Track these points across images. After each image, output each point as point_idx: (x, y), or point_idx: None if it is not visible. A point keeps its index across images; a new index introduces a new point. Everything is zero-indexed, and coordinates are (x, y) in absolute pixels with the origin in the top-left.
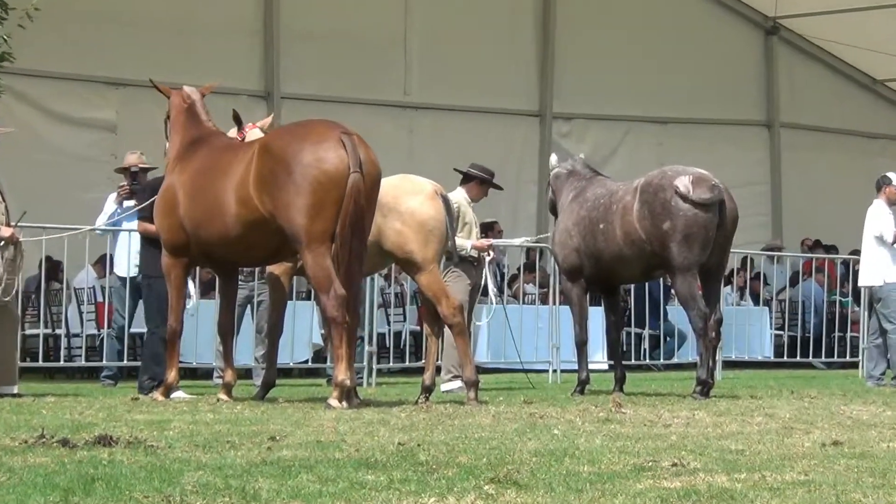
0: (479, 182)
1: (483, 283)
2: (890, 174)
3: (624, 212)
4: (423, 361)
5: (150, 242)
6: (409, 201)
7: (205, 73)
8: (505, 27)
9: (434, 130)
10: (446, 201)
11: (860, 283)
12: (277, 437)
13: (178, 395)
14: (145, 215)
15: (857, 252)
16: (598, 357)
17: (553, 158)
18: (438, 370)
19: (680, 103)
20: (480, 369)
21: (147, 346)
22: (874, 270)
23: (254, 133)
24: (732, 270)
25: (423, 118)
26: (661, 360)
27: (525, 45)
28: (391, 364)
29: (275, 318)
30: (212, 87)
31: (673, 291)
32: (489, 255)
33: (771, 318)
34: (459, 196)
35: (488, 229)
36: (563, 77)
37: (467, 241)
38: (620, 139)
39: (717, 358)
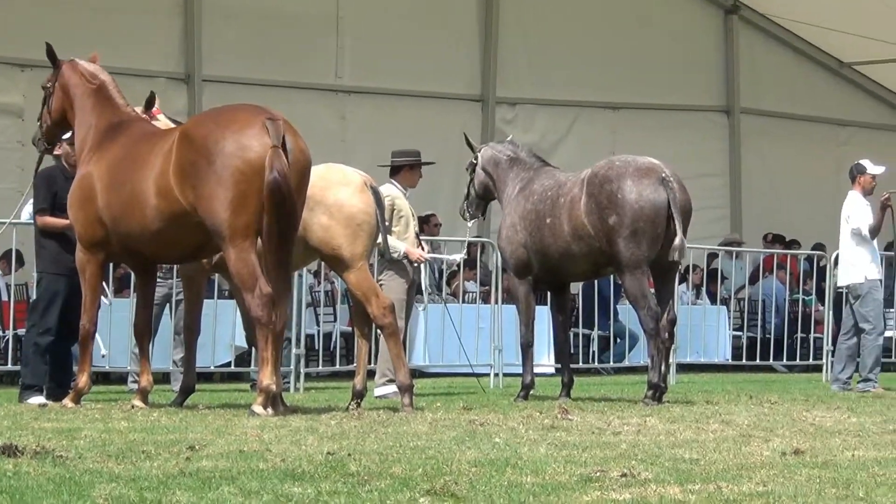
0: (409, 168)
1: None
2: (863, 162)
3: (571, 205)
4: (355, 365)
5: (46, 237)
6: (337, 193)
7: (120, 55)
8: (445, 6)
9: (368, 116)
10: (376, 193)
11: (840, 282)
12: (197, 447)
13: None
14: (43, 207)
15: (820, 246)
16: (544, 360)
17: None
18: (371, 374)
19: (633, 87)
20: (417, 373)
21: (25, 348)
22: (855, 267)
23: (161, 119)
24: (688, 267)
25: (357, 103)
26: (611, 363)
27: (466, 26)
28: (320, 367)
29: (190, 318)
30: (96, 58)
31: (623, 290)
32: (422, 259)
33: (729, 317)
34: (392, 190)
35: (425, 223)
36: (507, 60)
37: (401, 245)
38: (569, 126)
39: (670, 361)
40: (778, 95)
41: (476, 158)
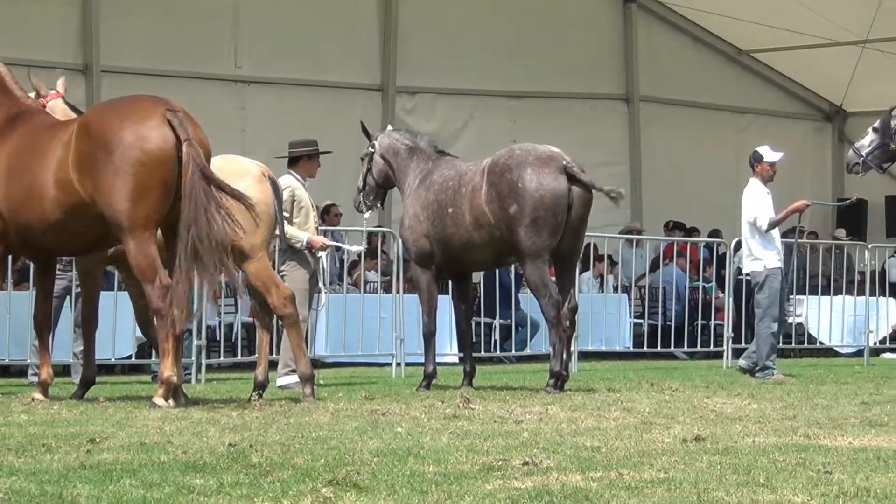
0: (307, 158)
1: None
2: (761, 149)
3: (472, 194)
4: (256, 355)
5: None
6: (235, 185)
7: (17, 45)
8: None
9: (268, 107)
10: (274, 184)
11: (745, 270)
12: (97, 439)
13: None
14: None
15: (716, 233)
16: (446, 349)
17: (389, 128)
18: (273, 365)
19: (533, 76)
20: (319, 363)
21: None
22: (755, 257)
23: (56, 104)
24: (588, 255)
25: (257, 93)
26: (513, 352)
27: (366, 15)
28: (222, 359)
29: (88, 310)
30: None
31: (524, 278)
32: (325, 248)
33: (630, 305)
34: (290, 180)
35: (325, 213)
36: (407, 49)
37: (303, 234)
38: (470, 115)
39: (572, 349)
40: (677, 83)
41: (373, 147)
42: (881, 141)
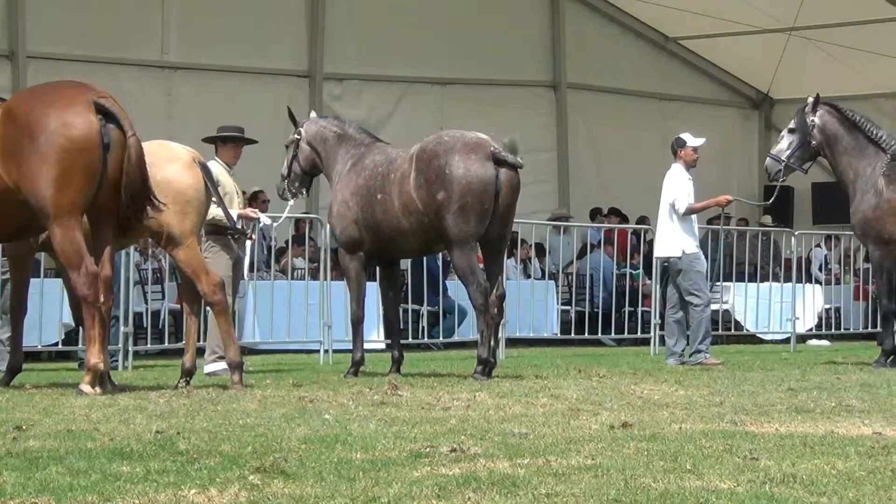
0: (234, 143)
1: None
2: (684, 136)
3: (401, 181)
4: (184, 342)
5: None
6: (165, 170)
7: None
8: None
9: (195, 93)
10: (205, 170)
11: (656, 254)
12: (24, 427)
13: None
14: None
15: (643, 219)
16: (374, 336)
17: (312, 114)
18: (200, 352)
19: (460, 63)
20: (247, 350)
21: None
22: (671, 241)
23: None
24: (516, 242)
25: (184, 79)
26: (441, 339)
27: (293, 1)
28: (149, 346)
29: (16, 297)
30: None
31: (452, 265)
32: (251, 238)
33: (557, 292)
34: (215, 167)
35: (253, 199)
36: (334, 35)
37: (232, 211)
38: (397, 102)
39: (499, 336)
40: (604, 70)
41: (298, 134)
42: (801, 140)
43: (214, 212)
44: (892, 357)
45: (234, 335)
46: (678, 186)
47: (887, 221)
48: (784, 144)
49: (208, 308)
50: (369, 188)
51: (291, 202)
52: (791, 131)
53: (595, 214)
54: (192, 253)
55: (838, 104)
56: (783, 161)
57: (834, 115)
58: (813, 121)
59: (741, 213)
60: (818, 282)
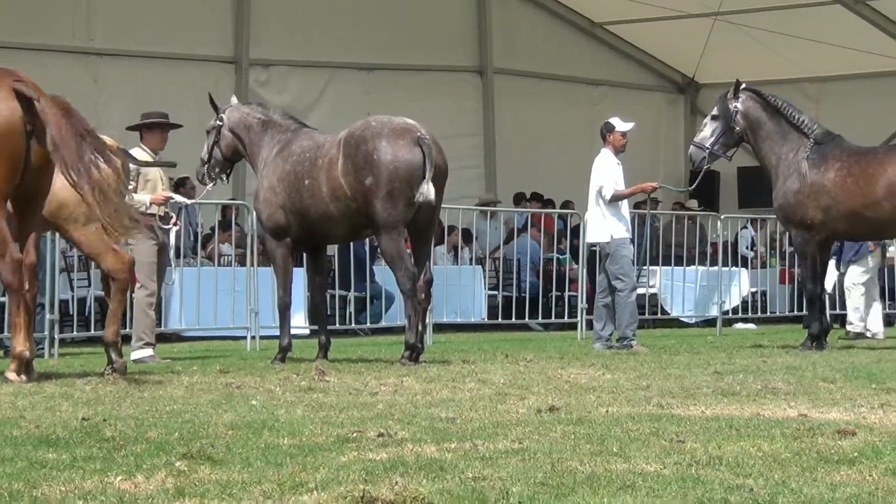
0: (160, 129)
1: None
2: (613, 120)
3: (329, 166)
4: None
5: None
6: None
7: None
8: None
9: (121, 79)
10: (129, 157)
11: (587, 239)
12: None
13: None
14: None
15: (568, 204)
16: (301, 322)
17: (234, 100)
18: (126, 339)
19: (387, 49)
20: (174, 337)
21: None
22: (600, 226)
23: None
24: (443, 228)
25: (110, 66)
26: (368, 324)
27: None
28: (75, 333)
29: None
30: None
31: (379, 250)
32: (176, 224)
33: (484, 277)
34: (139, 153)
35: (181, 185)
36: (260, 21)
37: (146, 196)
38: (324, 87)
39: (427, 321)
40: (531, 55)
41: (220, 120)
42: (724, 126)
43: (136, 198)
44: (817, 340)
45: (121, 318)
46: (606, 172)
47: (810, 206)
48: (707, 132)
49: (133, 296)
50: (296, 174)
51: (209, 187)
52: (714, 118)
53: (519, 199)
54: (98, 235)
55: (761, 89)
56: (707, 148)
57: (756, 101)
58: (736, 107)
59: (672, 198)
60: (745, 261)
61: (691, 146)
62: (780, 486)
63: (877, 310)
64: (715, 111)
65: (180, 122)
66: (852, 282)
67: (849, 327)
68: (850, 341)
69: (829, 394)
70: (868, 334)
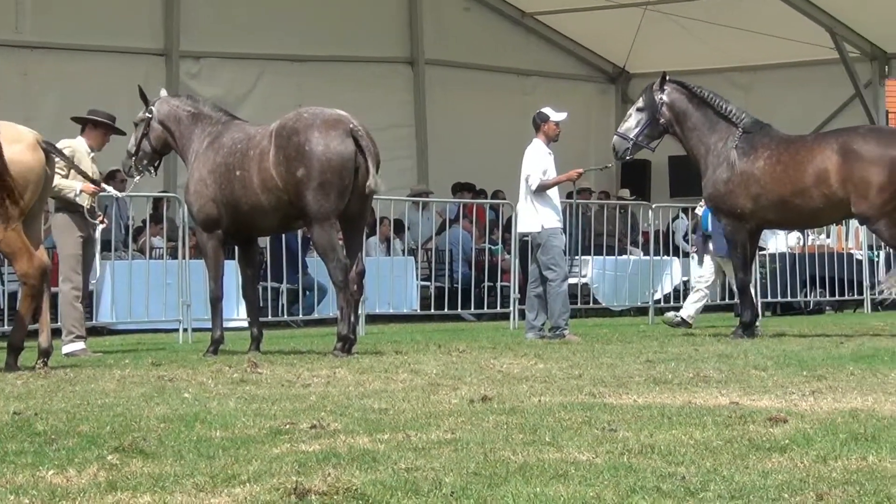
0: (104, 129)
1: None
2: (545, 110)
3: (260, 158)
4: (39, 323)
5: None
6: (8, 150)
7: None
8: None
9: (51, 72)
10: (48, 152)
11: (518, 229)
12: None
13: None
14: None
15: (498, 194)
16: (234, 314)
17: (163, 92)
18: (56, 332)
19: (319, 40)
20: (105, 330)
21: None
22: (531, 216)
23: None
24: (376, 219)
25: (40, 59)
26: (301, 316)
27: None
28: (5, 327)
29: None
30: None
31: (312, 242)
32: (104, 223)
33: (417, 268)
34: (78, 145)
35: (111, 178)
36: (190, 13)
37: (76, 183)
38: (255, 79)
39: (359, 312)
40: (462, 46)
41: (150, 112)
42: (649, 118)
43: (65, 182)
44: (748, 328)
45: (26, 322)
46: (535, 162)
47: (740, 195)
48: (632, 122)
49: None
50: (228, 165)
51: (137, 179)
52: (639, 110)
53: (455, 190)
54: (17, 234)
55: (686, 81)
56: (631, 139)
57: (682, 92)
58: (661, 98)
59: (598, 185)
60: (685, 253)
61: (615, 136)
62: (712, 473)
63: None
64: (640, 102)
65: (112, 113)
66: (706, 274)
67: (681, 312)
68: (672, 327)
69: (760, 381)
70: (684, 324)
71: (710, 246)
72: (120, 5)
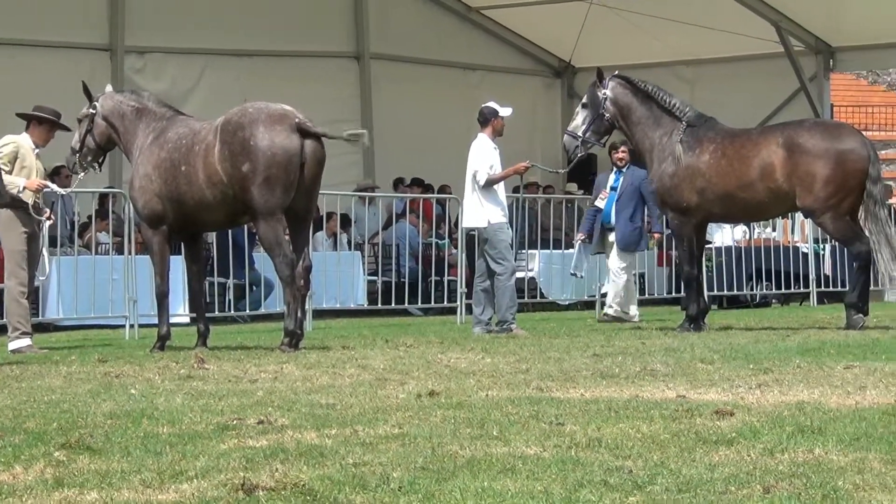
0: (49, 126)
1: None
2: (491, 104)
3: (206, 153)
4: None
5: None
6: None
7: None
8: None
9: None
10: None
11: (465, 224)
12: None
13: None
14: None
15: (446, 189)
16: (180, 310)
17: (108, 88)
18: (1, 329)
19: (264, 35)
20: (52, 326)
21: None
22: (477, 211)
23: None
24: (322, 214)
25: None
26: (248, 311)
27: None
28: None
29: None
30: None
31: (258, 237)
32: (50, 219)
33: (364, 263)
34: (20, 138)
35: (56, 175)
36: (135, 8)
37: (20, 179)
38: (200, 74)
39: (306, 307)
40: (408, 41)
41: (94, 108)
42: (594, 114)
43: (8, 179)
44: (695, 321)
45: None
46: (481, 157)
47: (685, 189)
48: (579, 120)
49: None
50: (173, 161)
51: (81, 176)
52: (584, 106)
53: (397, 184)
54: None
55: (630, 76)
56: (580, 137)
57: (626, 87)
58: (605, 94)
59: (545, 180)
60: None
61: (565, 135)
62: (659, 466)
63: (632, 291)
64: (585, 99)
65: (58, 109)
66: (618, 267)
67: (607, 310)
68: (605, 323)
69: (707, 375)
70: (626, 317)
71: (612, 238)
72: (64, 0)
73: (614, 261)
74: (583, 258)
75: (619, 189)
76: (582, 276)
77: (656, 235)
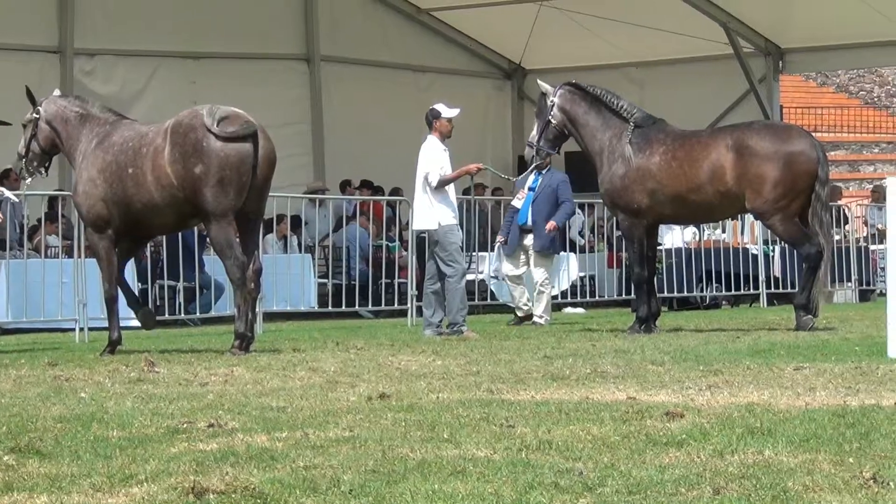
0: None
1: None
2: (438, 106)
3: (155, 155)
4: None
5: None
6: None
7: None
8: None
9: None
10: None
11: (415, 226)
12: None
13: None
14: None
15: (398, 191)
16: (130, 313)
17: (56, 91)
18: None
19: (213, 37)
20: (0, 329)
21: None
22: (427, 213)
23: None
24: (272, 216)
25: None
26: (198, 314)
27: None
28: None
29: None
30: None
31: (208, 240)
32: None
33: (314, 265)
34: None
35: (4, 178)
36: (84, 10)
37: None
38: (150, 77)
39: (257, 310)
40: (358, 43)
41: (37, 113)
42: (543, 122)
43: None
44: (645, 323)
45: None
46: (432, 159)
47: (636, 190)
48: (535, 129)
49: None
50: (119, 164)
51: (29, 181)
52: (537, 115)
53: (345, 186)
54: None
55: (579, 81)
56: (534, 145)
57: (574, 93)
58: (552, 101)
59: (496, 182)
60: (575, 245)
61: (526, 147)
62: (610, 468)
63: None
64: (536, 110)
65: (4, 115)
66: (543, 279)
67: (518, 313)
68: (516, 326)
69: (657, 376)
70: (538, 321)
71: (527, 240)
72: (13, 2)
73: (537, 273)
74: (501, 261)
75: (536, 190)
76: (503, 280)
77: (551, 224)
